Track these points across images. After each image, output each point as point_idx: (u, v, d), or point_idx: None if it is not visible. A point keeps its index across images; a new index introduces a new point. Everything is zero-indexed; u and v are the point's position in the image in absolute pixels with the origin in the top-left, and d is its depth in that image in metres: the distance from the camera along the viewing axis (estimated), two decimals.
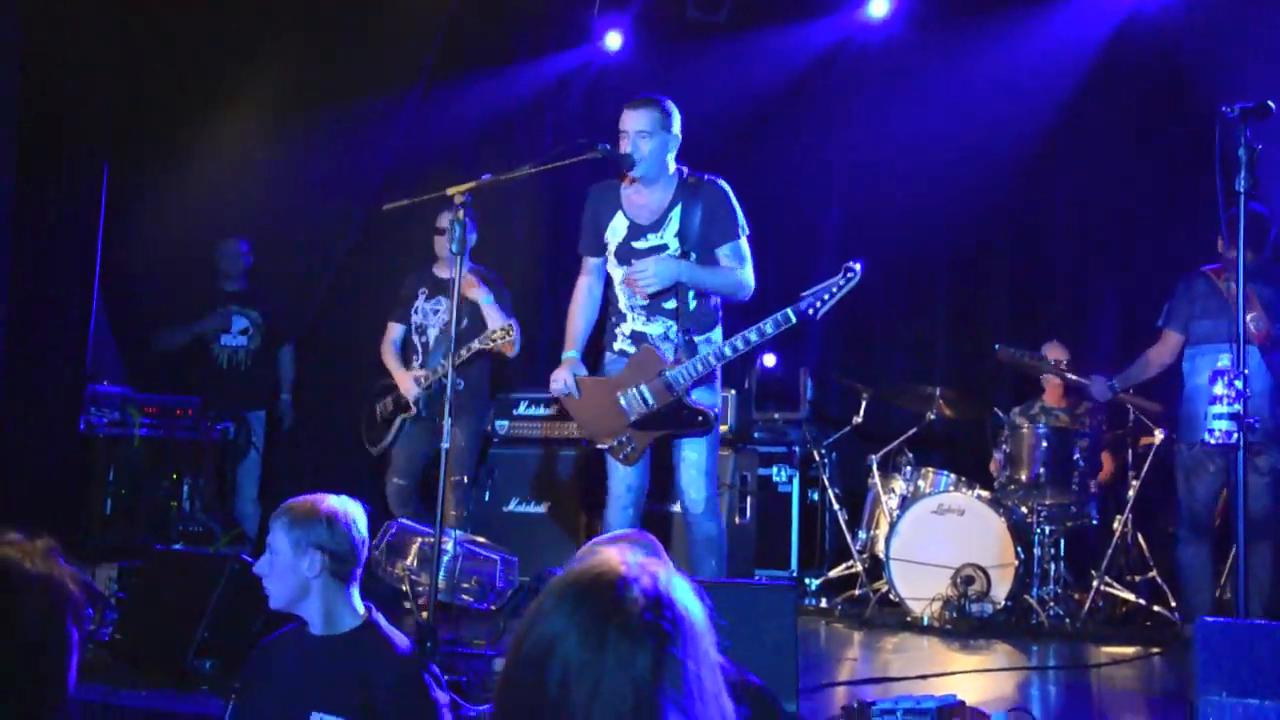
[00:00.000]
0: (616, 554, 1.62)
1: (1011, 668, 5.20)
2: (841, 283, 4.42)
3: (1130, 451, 6.39)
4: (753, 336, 4.46)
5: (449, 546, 5.24)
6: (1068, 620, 6.02)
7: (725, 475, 6.57)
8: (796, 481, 7.25)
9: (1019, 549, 6.10)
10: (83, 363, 6.40)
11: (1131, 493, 6.20)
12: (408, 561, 5.27)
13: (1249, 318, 5.35)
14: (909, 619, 6.10)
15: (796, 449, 7.29)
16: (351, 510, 3.08)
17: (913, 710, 3.49)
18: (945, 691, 3.71)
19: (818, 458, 6.97)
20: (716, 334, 4.72)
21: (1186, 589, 5.70)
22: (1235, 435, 3.88)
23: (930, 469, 6.70)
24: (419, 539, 5.32)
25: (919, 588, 6.13)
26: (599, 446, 4.80)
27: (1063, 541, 6.31)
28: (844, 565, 6.85)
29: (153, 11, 7.07)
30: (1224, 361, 5.40)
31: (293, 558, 2.98)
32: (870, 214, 7.80)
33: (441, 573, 4.90)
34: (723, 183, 4.71)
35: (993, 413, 6.82)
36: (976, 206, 7.63)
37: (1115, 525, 6.24)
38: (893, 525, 6.33)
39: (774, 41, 8.02)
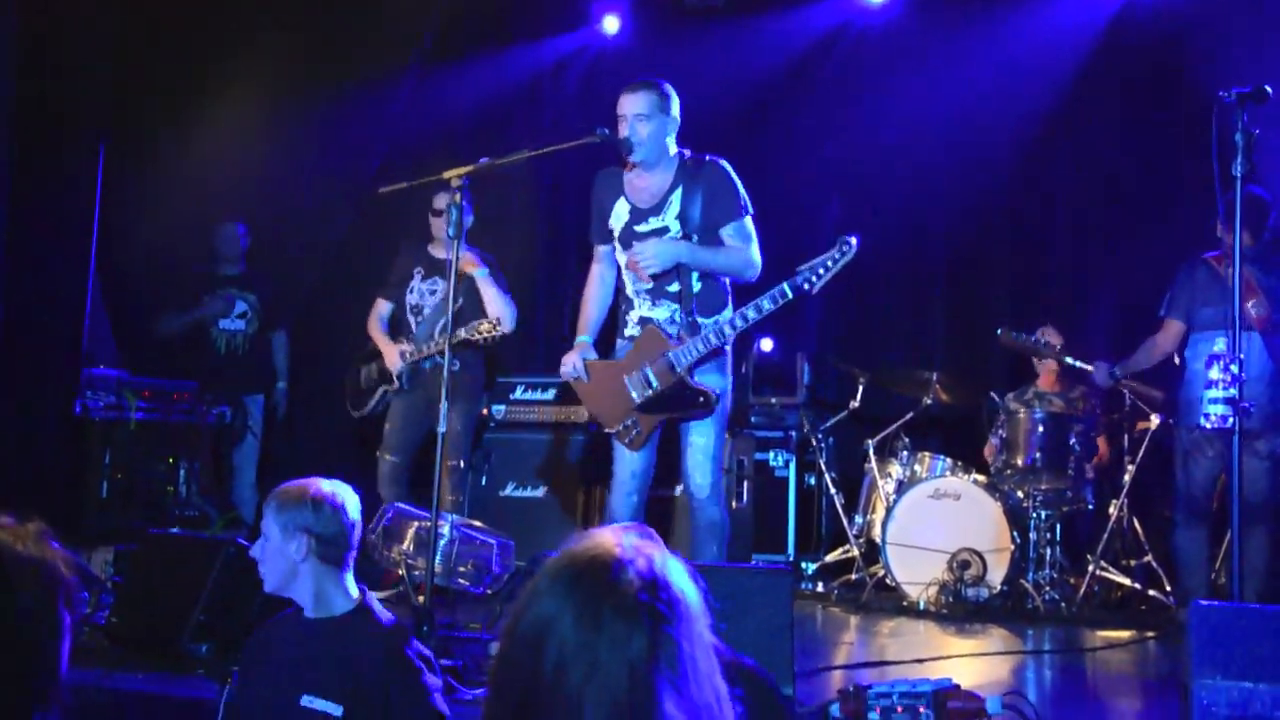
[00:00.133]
0: (611, 536, 1.62)
1: (1007, 652, 5.21)
2: (837, 256, 4.37)
3: (1126, 436, 6.40)
4: (750, 313, 4.44)
5: (445, 531, 5.24)
6: (1063, 604, 6.03)
7: (723, 460, 6.57)
8: (793, 466, 7.25)
9: (1015, 533, 6.11)
10: (78, 346, 6.40)
11: (1127, 477, 6.20)
12: (404, 546, 5.27)
13: (1249, 304, 5.35)
14: (905, 603, 6.11)
15: (793, 434, 7.29)
16: (342, 494, 3.08)
17: (908, 694, 3.49)
18: (941, 675, 3.71)
19: (814, 442, 6.97)
20: (727, 315, 4.63)
21: (1182, 573, 5.71)
22: (1231, 419, 3.88)
23: (927, 454, 6.71)
24: (415, 523, 5.32)
25: (915, 572, 6.14)
26: (606, 431, 4.79)
27: (1058, 526, 6.32)
28: (840, 550, 6.86)
29: None
30: (1220, 346, 5.41)
31: (281, 541, 3.01)
32: (868, 198, 7.78)
33: (438, 557, 4.90)
34: (723, 163, 4.68)
35: (989, 397, 6.83)
36: (974, 191, 7.62)
37: (1111, 510, 6.24)
38: (889, 510, 6.34)
39: (773, 25, 7.99)
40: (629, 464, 4.69)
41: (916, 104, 7.59)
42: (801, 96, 8.03)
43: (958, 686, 3.55)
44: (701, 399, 4.52)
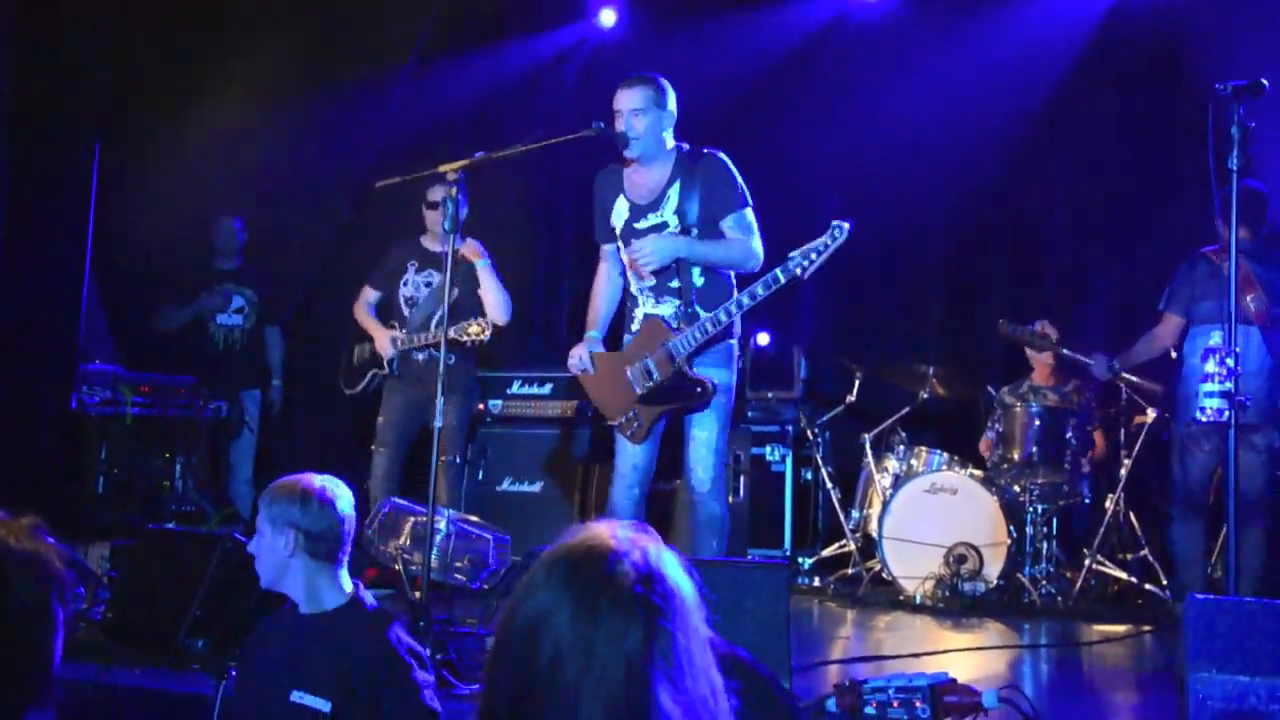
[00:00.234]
0: (606, 529, 1.62)
1: (1003, 646, 5.22)
2: (829, 241, 4.33)
3: (1123, 430, 6.40)
4: (745, 300, 4.43)
5: (441, 525, 5.24)
6: (1060, 599, 6.04)
7: (726, 455, 6.57)
8: (790, 460, 7.25)
9: (1011, 528, 6.11)
10: (75, 341, 6.39)
11: (1124, 471, 6.21)
12: (400, 541, 5.26)
13: (1249, 298, 5.35)
14: (902, 597, 6.12)
15: (790, 428, 7.29)
16: (333, 489, 3.07)
17: (904, 688, 3.50)
18: (937, 670, 3.71)
19: (811, 437, 6.97)
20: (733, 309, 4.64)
21: (1178, 567, 5.72)
22: (1227, 413, 3.88)
23: (923, 448, 6.71)
24: (412, 518, 5.31)
25: (912, 566, 6.14)
26: (609, 423, 4.80)
27: (1055, 520, 6.33)
28: (837, 544, 6.86)
29: None
30: (1216, 339, 5.42)
31: (271, 536, 3.02)
32: (866, 192, 7.76)
33: (434, 552, 4.90)
34: (721, 155, 4.67)
35: (986, 391, 6.83)
36: (971, 185, 7.62)
37: (1107, 504, 6.25)
38: (886, 504, 6.34)
39: (770, 18, 7.99)
40: (630, 457, 4.69)
41: (913, 97, 7.58)
42: (798, 90, 8.02)
43: (954, 681, 3.55)
44: (699, 389, 4.51)
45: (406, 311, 6.09)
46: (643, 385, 4.60)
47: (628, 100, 4.60)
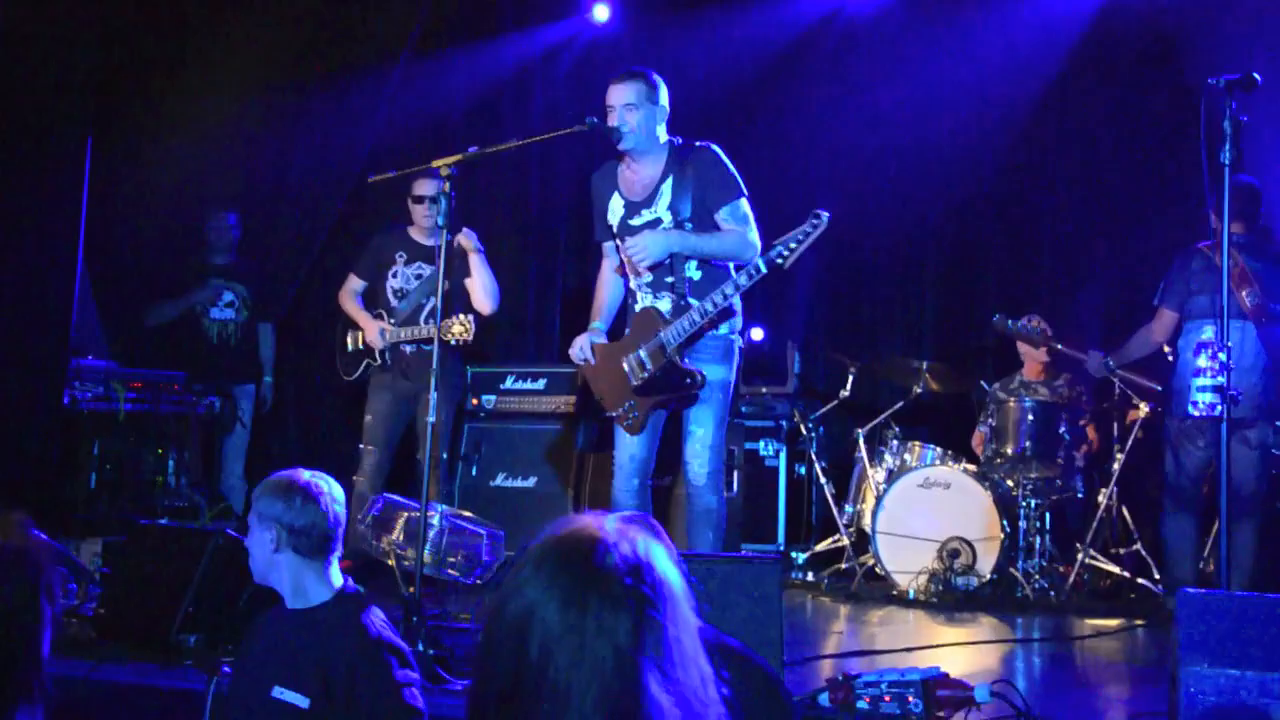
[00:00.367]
0: (593, 520, 1.62)
1: (996, 640, 5.22)
2: (809, 230, 4.32)
3: (1115, 425, 6.41)
4: (729, 290, 4.41)
5: (435, 521, 5.24)
6: (1052, 593, 6.04)
7: (724, 451, 6.57)
8: (783, 455, 7.25)
9: (1005, 522, 6.12)
10: (66, 337, 6.36)
11: (1116, 466, 6.21)
12: (394, 536, 5.26)
13: (1244, 293, 5.35)
14: (895, 592, 6.12)
15: (783, 423, 7.29)
16: (320, 485, 3.07)
17: (897, 682, 3.50)
18: (930, 664, 3.71)
19: (805, 431, 6.96)
20: (734, 303, 4.64)
21: (1170, 561, 5.73)
22: (1219, 407, 3.89)
23: (917, 443, 6.71)
24: (405, 513, 5.31)
25: (905, 561, 6.15)
26: (608, 415, 4.81)
27: (1048, 515, 6.34)
28: (830, 539, 6.86)
29: None
30: (1209, 334, 5.43)
31: (258, 532, 3.03)
32: (859, 187, 7.79)
33: (428, 547, 4.90)
34: (714, 147, 4.66)
35: (979, 386, 6.83)
36: (965, 180, 7.63)
37: (1100, 499, 6.26)
38: (879, 499, 6.34)
39: (763, 13, 7.98)
40: (628, 448, 4.70)
41: (907, 92, 7.59)
42: (792, 85, 8.01)
43: (947, 675, 3.55)
44: (689, 380, 4.50)
45: (395, 303, 6.07)
46: (637, 376, 4.60)
47: (620, 95, 4.60)
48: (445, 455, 6.08)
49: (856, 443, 6.83)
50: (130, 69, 7.20)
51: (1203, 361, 5.46)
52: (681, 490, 4.80)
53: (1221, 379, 3.91)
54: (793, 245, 4.32)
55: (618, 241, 4.76)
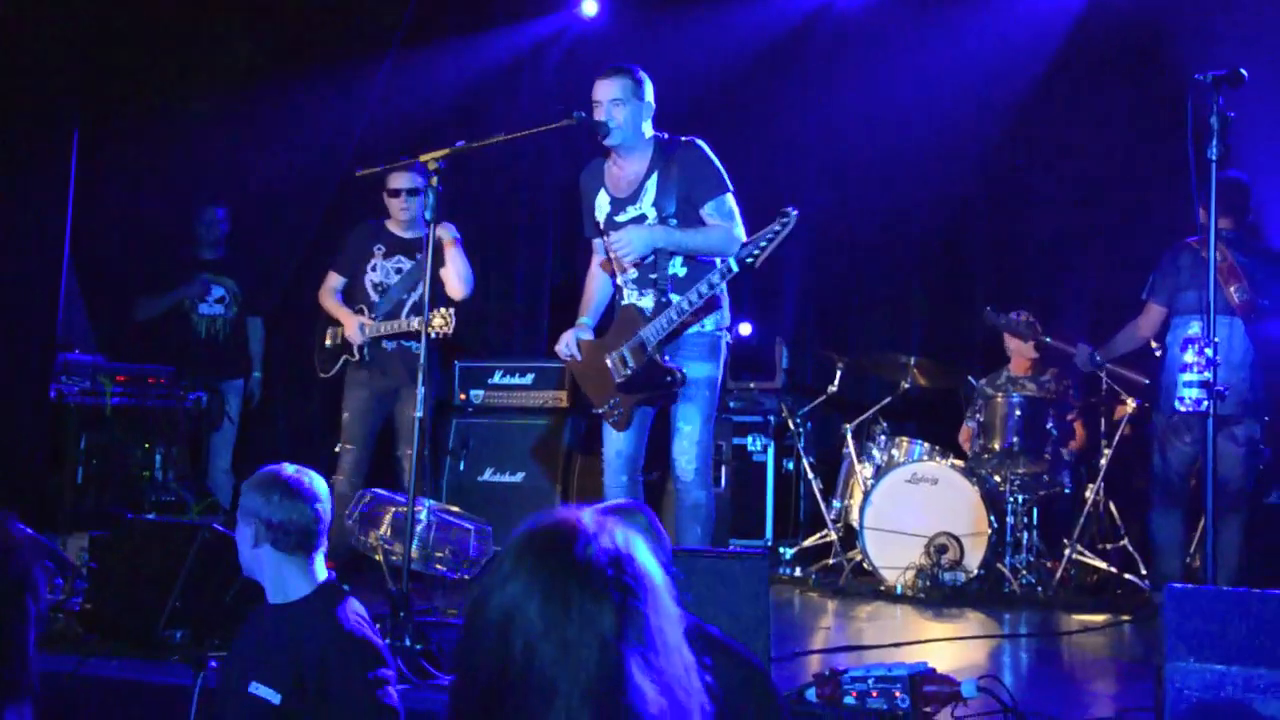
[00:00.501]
0: (572, 514, 1.62)
1: (983, 636, 5.24)
2: (778, 228, 4.32)
3: (1103, 420, 6.42)
4: (704, 289, 4.41)
5: (422, 516, 5.22)
6: (1040, 588, 6.06)
7: (712, 448, 6.57)
8: (771, 451, 7.26)
9: (992, 518, 6.13)
10: (53, 331, 6.33)
11: (1104, 461, 6.23)
12: (381, 531, 5.25)
13: (1233, 289, 5.36)
14: (882, 588, 6.13)
15: (772, 418, 7.30)
16: (303, 480, 3.06)
17: (884, 678, 3.50)
18: (917, 659, 3.72)
19: (793, 427, 6.97)
20: (721, 299, 4.64)
21: (1157, 557, 5.74)
22: (1206, 403, 3.90)
23: (904, 438, 6.72)
24: (392, 508, 5.30)
25: (893, 556, 6.16)
26: (594, 411, 4.82)
27: (1035, 510, 6.35)
28: (818, 534, 6.87)
29: None
30: (1196, 329, 5.44)
31: (241, 527, 3.04)
32: (847, 182, 7.79)
33: (415, 542, 4.89)
34: (700, 142, 4.66)
35: (967, 381, 6.84)
36: (952, 175, 7.63)
37: (1088, 494, 6.27)
38: (867, 494, 6.35)
39: (752, 8, 7.97)
40: (615, 444, 4.71)
41: (895, 87, 7.58)
42: (780, 80, 8.01)
43: (933, 670, 3.56)
44: (670, 378, 4.51)
45: (375, 297, 6.03)
46: (620, 374, 4.62)
47: (606, 91, 4.60)
48: (426, 451, 6.05)
49: (844, 438, 6.84)
50: (117, 63, 7.16)
51: (1190, 357, 5.44)
52: (670, 485, 4.81)
53: (1209, 374, 3.92)
54: (763, 244, 4.32)
55: (604, 237, 4.76)
